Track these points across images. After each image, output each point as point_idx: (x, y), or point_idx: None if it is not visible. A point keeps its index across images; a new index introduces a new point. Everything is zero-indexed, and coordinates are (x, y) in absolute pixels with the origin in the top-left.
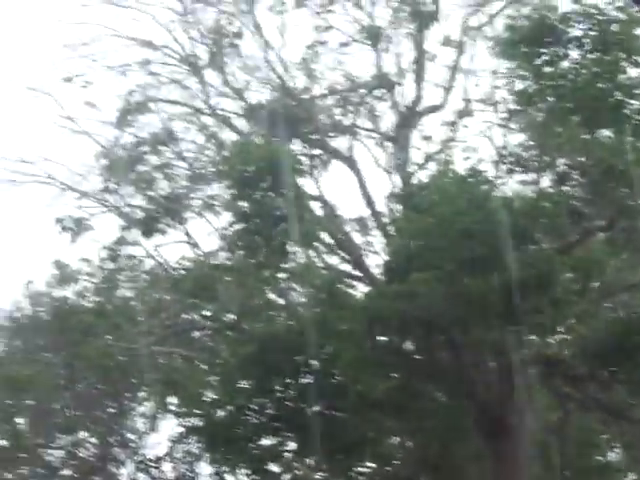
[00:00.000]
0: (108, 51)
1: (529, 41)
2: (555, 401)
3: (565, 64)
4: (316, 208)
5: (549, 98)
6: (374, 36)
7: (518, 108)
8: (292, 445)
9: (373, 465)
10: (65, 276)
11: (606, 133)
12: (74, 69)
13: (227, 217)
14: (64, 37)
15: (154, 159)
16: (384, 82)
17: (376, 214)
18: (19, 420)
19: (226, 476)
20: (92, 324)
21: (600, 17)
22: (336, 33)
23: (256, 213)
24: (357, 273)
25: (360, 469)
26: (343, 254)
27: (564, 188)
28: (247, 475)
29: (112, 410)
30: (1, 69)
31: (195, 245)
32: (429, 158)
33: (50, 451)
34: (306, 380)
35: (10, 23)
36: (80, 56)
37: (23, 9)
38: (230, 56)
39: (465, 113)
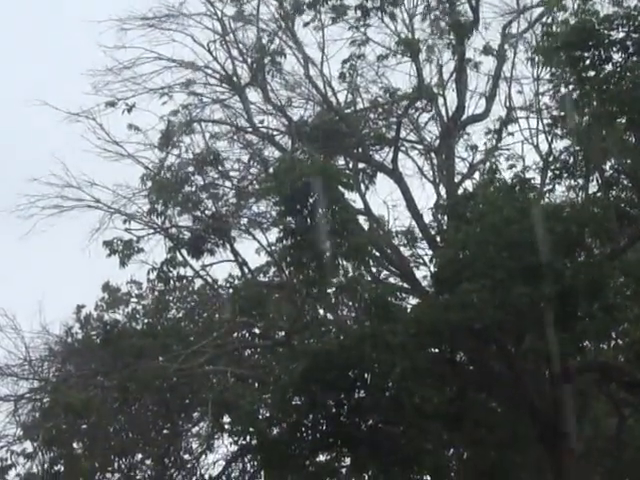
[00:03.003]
0: (150, 74)
1: (570, 46)
2: (611, 407)
3: (608, 67)
4: (363, 222)
5: (593, 102)
6: (413, 48)
7: (562, 114)
8: (348, 460)
9: (430, 477)
10: (115, 299)
11: None
12: (117, 93)
13: (275, 234)
14: (106, 61)
15: (199, 179)
16: (426, 93)
17: (423, 226)
18: (75, 445)
19: None
20: (143, 346)
21: None
22: (374, 46)
23: (304, 229)
24: (406, 285)
25: None
26: (392, 267)
27: (612, 192)
28: None
29: (167, 432)
30: (44, 95)
31: (243, 263)
32: (474, 168)
33: (107, 475)
34: (360, 394)
35: (51, 47)
36: (122, 80)
37: (64, 34)
38: (271, 74)
39: (509, 121)
